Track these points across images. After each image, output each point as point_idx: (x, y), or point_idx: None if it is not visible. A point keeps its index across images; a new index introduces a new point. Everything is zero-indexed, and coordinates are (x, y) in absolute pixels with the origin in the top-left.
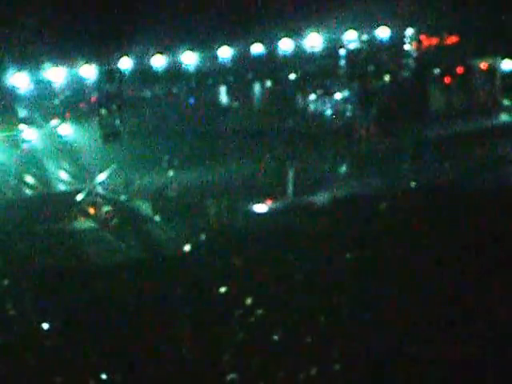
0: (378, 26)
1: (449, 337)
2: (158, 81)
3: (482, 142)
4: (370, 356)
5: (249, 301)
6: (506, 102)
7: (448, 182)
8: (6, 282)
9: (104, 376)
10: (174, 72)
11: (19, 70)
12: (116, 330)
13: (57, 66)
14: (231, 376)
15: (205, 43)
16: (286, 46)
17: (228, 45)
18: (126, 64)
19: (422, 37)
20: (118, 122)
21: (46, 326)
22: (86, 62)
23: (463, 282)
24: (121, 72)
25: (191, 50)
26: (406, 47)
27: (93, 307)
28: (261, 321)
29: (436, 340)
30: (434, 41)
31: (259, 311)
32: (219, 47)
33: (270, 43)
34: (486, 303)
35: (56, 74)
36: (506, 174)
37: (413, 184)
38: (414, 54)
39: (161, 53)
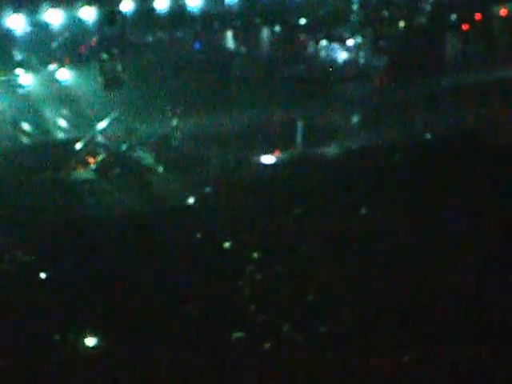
0: None
1: None
2: (161, 25)
3: (500, 92)
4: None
5: (255, 255)
6: None
7: (464, 133)
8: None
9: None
10: (179, 15)
11: (15, 12)
12: (114, 284)
13: (55, 7)
14: (237, 334)
15: None
16: None
17: None
18: (127, 6)
19: None
20: (119, 67)
21: (43, 275)
22: (86, 4)
23: (478, 236)
24: (123, 14)
25: None
26: None
27: (91, 260)
28: (269, 276)
29: None
30: None
31: (267, 266)
32: None
33: None
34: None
35: (54, 16)
36: None
37: (427, 135)
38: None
39: None
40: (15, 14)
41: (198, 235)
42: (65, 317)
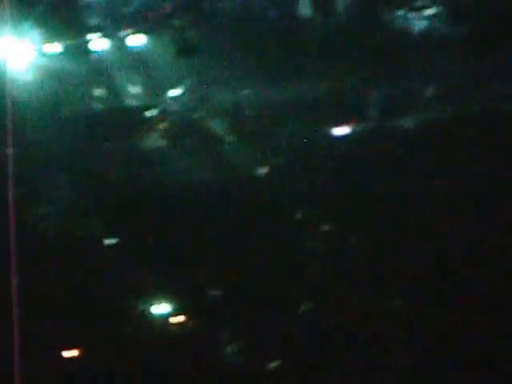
0: None
1: None
2: None
3: None
4: None
5: (326, 228)
6: None
7: None
8: (71, 199)
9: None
10: None
11: None
12: (180, 253)
13: None
14: (304, 306)
15: None
16: None
17: None
18: None
19: None
20: (193, 35)
21: (109, 241)
22: None
23: None
24: None
25: None
26: None
27: (160, 229)
28: (340, 252)
29: None
30: None
31: (337, 242)
32: None
33: None
34: None
35: None
36: None
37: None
38: None
39: None
40: None
41: (269, 206)
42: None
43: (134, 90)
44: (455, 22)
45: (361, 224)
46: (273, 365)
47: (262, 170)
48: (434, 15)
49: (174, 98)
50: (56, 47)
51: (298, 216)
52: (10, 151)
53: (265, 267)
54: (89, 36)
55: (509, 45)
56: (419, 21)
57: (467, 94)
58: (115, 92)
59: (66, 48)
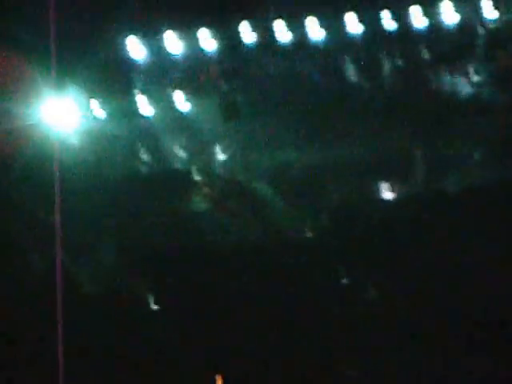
0: None
1: None
2: (283, 57)
3: None
4: None
5: (374, 293)
6: None
7: None
8: (118, 260)
9: None
10: (301, 47)
11: (136, 37)
12: (227, 318)
13: (176, 34)
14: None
15: (331, 15)
16: (418, 20)
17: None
18: (249, 37)
19: None
20: (239, 99)
21: (155, 307)
22: (208, 33)
23: None
24: (245, 45)
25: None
26: None
27: (207, 291)
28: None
29: None
30: None
31: (385, 306)
32: (347, 21)
33: (402, 17)
34: None
35: (175, 44)
36: None
37: None
38: None
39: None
40: (135, 40)
41: (315, 270)
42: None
43: (180, 153)
44: (500, 88)
45: (406, 288)
46: None
47: (307, 233)
48: (480, 81)
49: (220, 162)
50: (104, 110)
51: (344, 281)
52: (57, 217)
53: (313, 330)
54: (137, 98)
55: None
56: (466, 86)
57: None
58: (161, 155)
59: (113, 110)
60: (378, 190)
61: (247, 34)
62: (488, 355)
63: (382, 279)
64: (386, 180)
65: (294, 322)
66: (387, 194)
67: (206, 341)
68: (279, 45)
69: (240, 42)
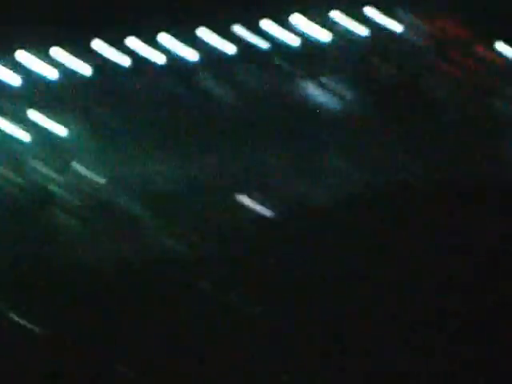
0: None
1: None
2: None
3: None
4: None
5: (254, 311)
6: None
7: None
8: None
9: None
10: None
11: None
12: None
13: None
14: None
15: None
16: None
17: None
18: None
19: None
20: (103, 113)
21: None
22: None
23: None
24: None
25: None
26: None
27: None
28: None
29: None
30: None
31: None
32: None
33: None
34: None
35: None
36: None
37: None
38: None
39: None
40: None
41: (187, 284)
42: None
43: (43, 168)
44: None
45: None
46: None
47: (178, 248)
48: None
49: (83, 177)
50: None
51: (219, 295)
52: None
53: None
54: None
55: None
56: (332, 99)
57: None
58: (23, 170)
59: None
60: (246, 201)
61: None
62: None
63: (254, 294)
64: (252, 192)
65: (162, 334)
66: (253, 206)
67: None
68: (143, 62)
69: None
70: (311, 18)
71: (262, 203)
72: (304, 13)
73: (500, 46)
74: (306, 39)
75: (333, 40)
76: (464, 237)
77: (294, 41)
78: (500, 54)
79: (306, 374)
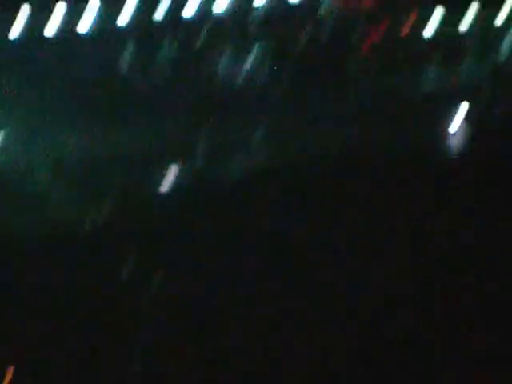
0: None
1: None
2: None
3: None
4: None
5: (157, 284)
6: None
7: (368, 148)
8: None
9: None
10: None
11: None
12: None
13: None
14: None
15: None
16: (192, 7)
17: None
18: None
19: None
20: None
21: None
22: None
23: None
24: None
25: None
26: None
27: None
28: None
29: None
30: None
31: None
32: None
33: (176, 5)
34: None
35: None
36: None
37: (333, 150)
38: (332, 15)
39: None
40: None
41: (95, 262)
42: None
43: None
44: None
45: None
46: None
47: (87, 225)
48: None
49: None
50: None
51: (125, 271)
52: None
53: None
54: None
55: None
56: (242, 67)
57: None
58: None
59: None
60: (158, 180)
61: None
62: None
63: (163, 272)
64: (167, 169)
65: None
66: (169, 182)
67: None
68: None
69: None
70: None
71: (178, 179)
72: None
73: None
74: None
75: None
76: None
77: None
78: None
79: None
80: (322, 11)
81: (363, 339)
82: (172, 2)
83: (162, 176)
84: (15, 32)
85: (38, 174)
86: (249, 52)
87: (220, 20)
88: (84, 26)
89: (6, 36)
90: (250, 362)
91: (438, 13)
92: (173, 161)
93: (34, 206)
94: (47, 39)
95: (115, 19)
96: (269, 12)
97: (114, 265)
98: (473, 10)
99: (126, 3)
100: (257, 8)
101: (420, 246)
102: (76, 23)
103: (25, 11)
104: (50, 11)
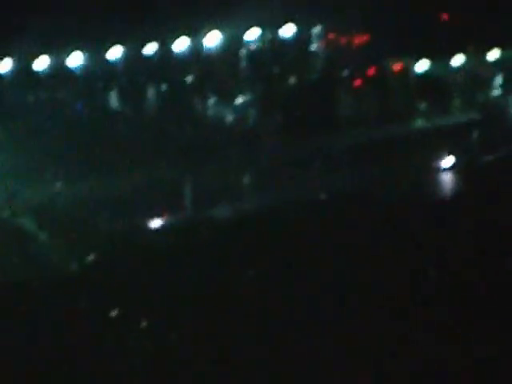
0: (283, 23)
1: None
2: (42, 85)
3: (396, 149)
4: None
5: (144, 324)
6: (420, 106)
7: (359, 193)
8: None
9: None
10: (60, 75)
11: None
12: None
13: None
14: None
15: (93, 42)
16: (182, 45)
17: (119, 44)
18: (5, 66)
19: (331, 35)
20: None
21: None
22: None
23: None
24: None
25: (78, 49)
26: (313, 46)
27: None
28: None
29: None
30: (344, 40)
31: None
32: (109, 47)
33: (165, 42)
34: None
35: None
36: (422, 183)
37: (322, 196)
38: (322, 54)
39: (45, 53)
40: None
41: (83, 305)
42: None
43: None
44: (267, 110)
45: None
46: None
47: (74, 268)
48: (245, 104)
49: None
50: None
51: (113, 314)
52: None
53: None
54: None
55: (320, 132)
56: (231, 110)
57: (282, 182)
58: None
59: None
60: (144, 221)
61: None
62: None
63: (151, 312)
64: (154, 210)
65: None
66: (157, 223)
67: None
68: (38, 73)
69: None
70: None
71: (167, 219)
72: None
73: None
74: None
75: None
76: None
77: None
78: None
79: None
80: (313, 48)
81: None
82: (162, 41)
83: (150, 219)
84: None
85: (24, 216)
86: (240, 91)
87: (210, 58)
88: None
89: None
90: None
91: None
92: (161, 204)
93: (22, 248)
94: (36, 73)
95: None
96: (260, 50)
97: (100, 307)
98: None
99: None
100: (248, 44)
101: None
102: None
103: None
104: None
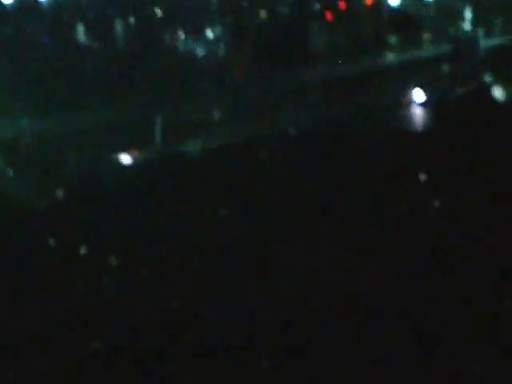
0: None
1: None
2: (8, 18)
3: (368, 83)
4: None
5: (114, 261)
6: (391, 40)
7: (331, 126)
8: None
9: None
10: (27, 8)
11: None
12: None
13: None
14: None
15: None
16: None
17: None
18: None
19: None
20: None
21: None
22: None
23: None
24: None
25: None
26: None
27: None
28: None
29: None
30: None
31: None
32: None
33: None
34: None
35: None
36: (390, 118)
37: (291, 130)
38: None
39: None
40: None
41: (51, 242)
42: None
43: None
44: (237, 45)
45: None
46: None
47: (42, 205)
48: (214, 38)
49: None
50: None
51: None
52: None
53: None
54: None
55: (291, 66)
56: (200, 44)
57: (252, 116)
58: None
59: None
60: (111, 157)
61: None
62: None
63: (120, 251)
64: (122, 145)
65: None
66: (127, 158)
67: None
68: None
69: None
70: None
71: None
72: None
73: None
74: None
75: None
76: None
77: None
78: None
79: None
80: None
81: None
82: None
83: (119, 154)
84: None
85: None
86: (210, 25)
87: None
88: None
89: None
90: None
91: None
92: (131, 139)
93: None
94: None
95: None
96: None
97: (66, 245)
98: None
99: None
100: None
101: None
102: None
103: None
104: None
